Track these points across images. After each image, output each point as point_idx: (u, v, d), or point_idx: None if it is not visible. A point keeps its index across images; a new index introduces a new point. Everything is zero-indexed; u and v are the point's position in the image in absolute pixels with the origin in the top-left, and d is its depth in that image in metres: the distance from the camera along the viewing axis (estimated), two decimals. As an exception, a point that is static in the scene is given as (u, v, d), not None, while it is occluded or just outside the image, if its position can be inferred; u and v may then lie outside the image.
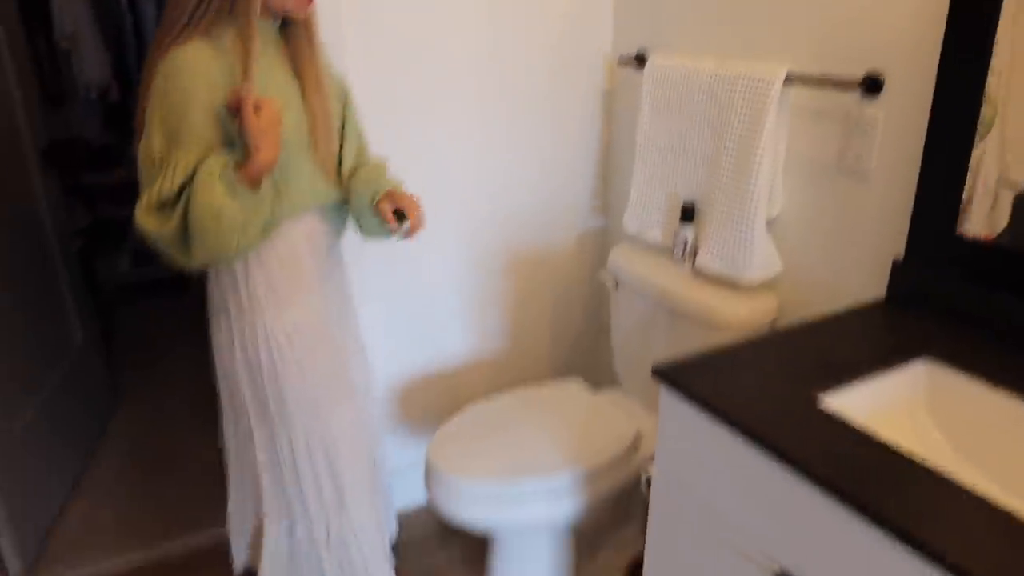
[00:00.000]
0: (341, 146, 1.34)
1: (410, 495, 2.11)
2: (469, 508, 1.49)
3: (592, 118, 2.01)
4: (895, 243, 1.29)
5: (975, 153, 1.13)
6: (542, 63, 1.88)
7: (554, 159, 2.00)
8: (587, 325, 2.24)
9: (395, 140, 1.71)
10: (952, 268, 1.19)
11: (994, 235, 1.14)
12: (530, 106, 1.91)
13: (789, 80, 1.37)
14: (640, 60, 1.80)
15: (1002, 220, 1.13)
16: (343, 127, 1.34)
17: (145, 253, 3.53)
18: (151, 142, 1.10)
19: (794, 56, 1.41)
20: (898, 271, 1.27)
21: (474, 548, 1.96)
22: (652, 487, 1.12)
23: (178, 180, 1.08)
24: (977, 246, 1.16)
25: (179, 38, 1.08)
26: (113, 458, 2.40)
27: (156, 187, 1.09)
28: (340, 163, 1.34)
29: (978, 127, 1.12)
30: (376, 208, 1.30)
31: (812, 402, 0.97)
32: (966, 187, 1.15)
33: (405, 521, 2.06)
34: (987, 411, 1.02)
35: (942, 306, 1.20)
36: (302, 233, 1.27)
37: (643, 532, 1.90)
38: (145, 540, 2.02)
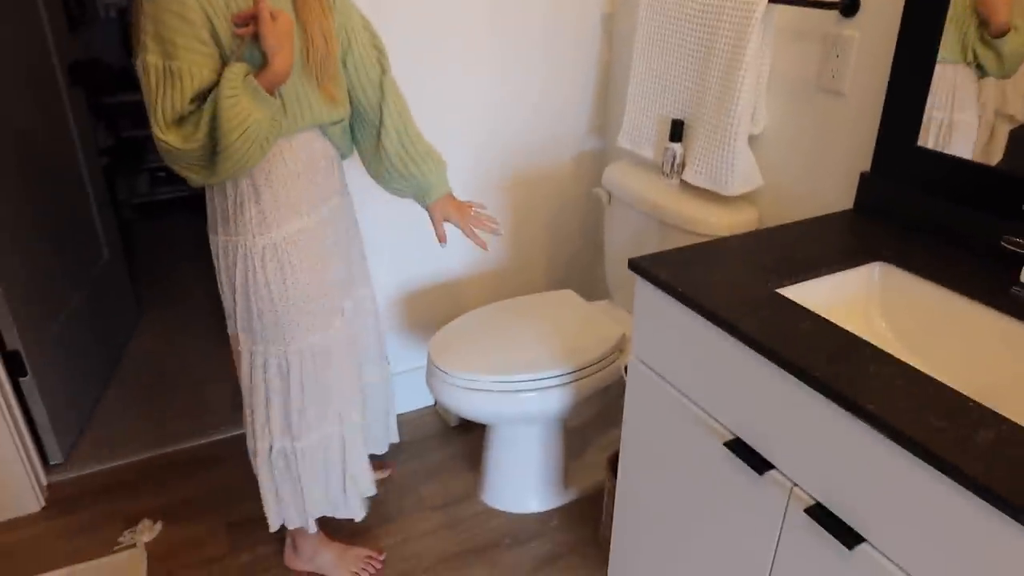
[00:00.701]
0: (344, 65, 1.35)
1: (414, 398, 2.26)
2: (465, 400, 1.64)
3: (592, 41, 2.07)
4: (865, 157, 1.38)
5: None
6: (544, -16, 1.94)
7: (555, 80, 2.07)
8: (583, 241, 2.35)
9: (403, 63, 1.78)
10: (912, 179, 1.29)
11: (949, 149, 1.23)
12: (532, 30, 1.97)
13: (772, 1, 1.43)
14: (639, -19, 1.85)
15: (956, 137, 1.22)
16: (349, 46, 1.35)
17: (164, 174, 3.69)
18: (147, 56, 1.10)
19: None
20: (865, 182, 1.37)
21: (473, 446, 2.13)
22: (630, 370, 1.25)
23: (188, 92, 1.10)
24: (933, 158, 1.25)
25: None
26: (138, 365, 2.56)
27: (168, 101, 1.10)
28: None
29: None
30: (430, 211, 1.46)
31: (771, 291, 1.09)
32: (926, 105, 1.24)
33: (409, 422, 2.23)
34: (929, 305, 1.14)
35: (902, 215, 1.31)
36: (295, 152, 1.28)
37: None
38: (167, 438, 2.19)
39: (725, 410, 1.06)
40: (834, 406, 0.87)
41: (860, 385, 0.86)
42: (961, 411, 0.82)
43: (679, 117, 1.71)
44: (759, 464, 1.00)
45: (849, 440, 0.86)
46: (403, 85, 1.52)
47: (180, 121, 1.12)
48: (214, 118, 1.10)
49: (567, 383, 1.64)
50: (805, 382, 0.90)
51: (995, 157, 1.18)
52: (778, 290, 1.11)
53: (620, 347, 1.74)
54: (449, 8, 1.84)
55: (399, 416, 2.20)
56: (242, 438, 1.61)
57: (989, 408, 0.82)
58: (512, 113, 2.05)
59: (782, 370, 0.93)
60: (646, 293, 1.17)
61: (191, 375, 2.50)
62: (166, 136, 1.12)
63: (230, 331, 1.44)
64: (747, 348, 0.99)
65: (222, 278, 1.36)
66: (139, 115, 3.41)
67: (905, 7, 1.23)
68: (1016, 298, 1.07)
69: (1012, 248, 1.06)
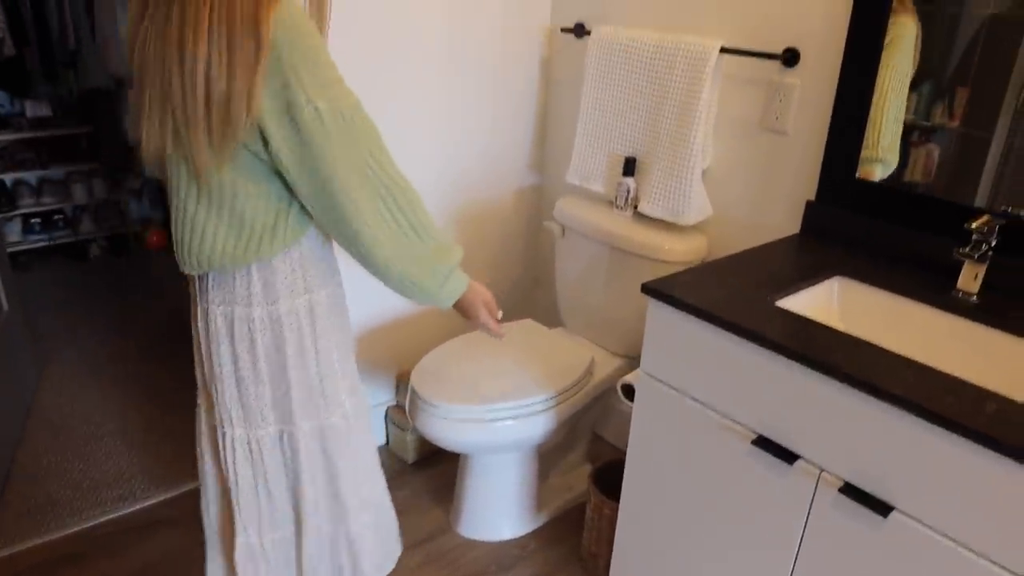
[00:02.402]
0: None
1: (368, 437, 2.24)
2: (454, 431, 1.67)
3: (530, 83, 2.21)
4: (808, 187, 1.59)
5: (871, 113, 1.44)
6: (487, 35, 2.05)
7: (497, 121, 2.18)
8: (524, 271, 2.45)
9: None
10: (854, 206, 1.51)
11: (883, 179, 1.46)
12: (476, 74, 2.07)
13: (722, 52, 1.63)
14: (578, 30, 2.02)
15: (888, 168, 1.45)
16: None
17: (38, 220, 3.41)
18: (332, 97, 0.96)
19: (726, 32, 1.67)
20: (811, 209, 1.58)
21: (435, 480, 2.14)
22: (640, 385, 1.36)
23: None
24: (870, 187, 1.48)
25: None
26: (42, 427, 2.35)
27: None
28: None
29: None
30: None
31: (770, 303, 1.24)
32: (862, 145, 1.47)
33: (365, 461, 2.20)
34: (883, 309, 1.34)
35: (847, 236, 1.52)
36: None
37: (587, 456, 2.17)
38: (84, 510, 2.03)
39: (747, 412, 1.19)
40: (858, 394, 1.02)
41: (878, 375, 1.02)
42: (961, 389, 1.00)
43: (631, 154, 1.86)
44: (787, 456, 1.13)
45: (873, 422, 1.02)
46: None
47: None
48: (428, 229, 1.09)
49: (550, 407, 1.72)
50: (833, 377, 1.04)
51: (925, 184, 1.42)
52: (776, 303, 1.26)
53: (591, 371, 1.85)
54: (398, 58, 1.90)
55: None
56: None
57: (980, 386, 1.00)
58: (460, 154, 2.13)
59: (808, 369, 1.07)
60: (661, 314, 1.28)
61: (98, 436, 2.32)
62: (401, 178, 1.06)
63: (217, 423, 1.23)
64: (769, 353, 1.12)
65: (235, 353, 1.15)
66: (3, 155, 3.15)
67: (843, 60, 1.45)
68: (956, 299, 1.29)
69: (955, 258, 1.28)
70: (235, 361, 1.14)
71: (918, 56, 1.38)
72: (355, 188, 1.00)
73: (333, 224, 1.04)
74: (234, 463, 1.22)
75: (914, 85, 1.39)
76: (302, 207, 1.07)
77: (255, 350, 1.13)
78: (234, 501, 1.25)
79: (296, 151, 0.97)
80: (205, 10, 0.88)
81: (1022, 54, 1.26)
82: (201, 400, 1.28)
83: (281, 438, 1.21)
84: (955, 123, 1.37)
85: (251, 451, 1.21)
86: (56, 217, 3.58)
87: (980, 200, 1.35)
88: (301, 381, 1.17)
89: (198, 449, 1.32)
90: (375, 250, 1.05)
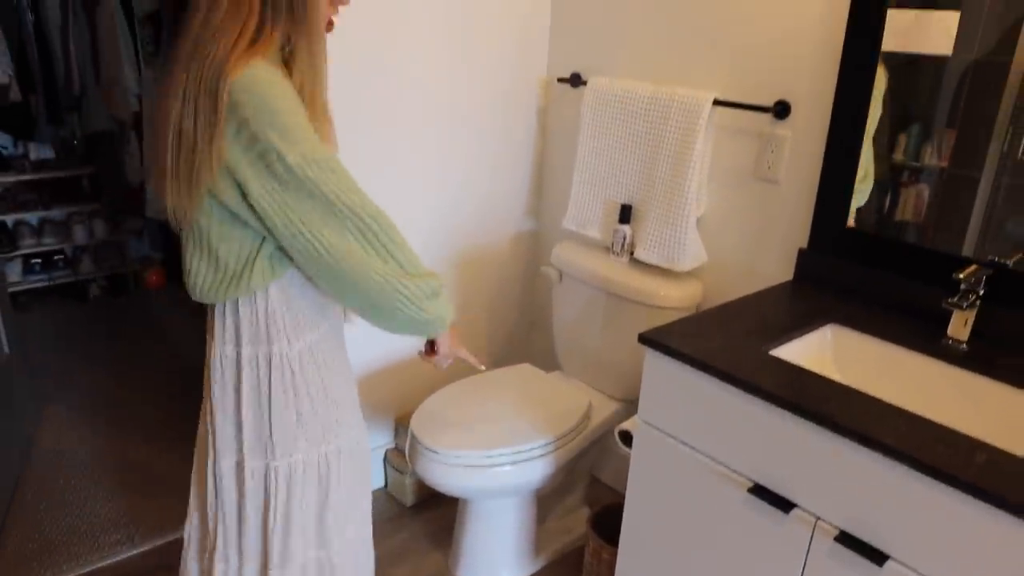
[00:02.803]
0: None
1: (366, 480, 2.25)
2: (455, 477, 1.68)
3: (528, 131, 2.26)
4: (800, 236, 1.63)
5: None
6: (486, 85, 2.11)
7: (496, 169, 2.22)
8: (520, 316, 2.48)
9: (362, 156, 1.88)
10: (846, 254, 1.54)
11: (873, 229, 1.50)
12: (475, 123, 2.13)
13: (715, 104, 1.68)
14: (574, 80, 2.07)
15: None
16: None
17: (39, 260, 3.44)
18: (305, 151, 1.02)
19: (718, 85, 1.73)
20: (803, 257, 1.61)
21: (434, 524, 2.14)
22: (637, 433, 1.38)
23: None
24: (861, 236, 1.52)
25: (238, 53, 0.99)
26: (41, 469, 2.34)
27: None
28: None
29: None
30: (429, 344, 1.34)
31: (764, 352, 1.27)
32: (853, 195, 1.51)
33: (363, 504, 2.20)
34: (875, 357, 1.37)
35: (839, 283, 1.55)
36: None
37: (586, 499, 2.17)
38: (82, 555, 2.01)
39: (743, 460, 1.21)
40: (852, 444, 1.05)
41: (871, 425, 1.04)
42: (952, 439, 1.02)
43: (627, 201, 1.91)
44: (783, 505, 1.15)
45: (867, 471, 1.04)
46: (363, 178, 1.60)
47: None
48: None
49: (548, 452, 1.73)
50: (826, 427, 1.07)
51: (915, 233, 1.46)
52: (771, 352, 1.29)
53: (588, 415, 1.86)
54: (400, 107, 1.95)
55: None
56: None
57: (972, 436, 1.02)
58: (459, 200, 2.17)
59: (803, 419, 1.10)
60: (658, 363, 1.31)
61: (98, 478, 2.32)
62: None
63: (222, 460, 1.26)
64: (763, 402, 1.15)
65: (243, 394, 1.20)
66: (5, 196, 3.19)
67: (832, 115, 1.50)
68: (946, 347, 1.32)
69: (944, 307, 1.32)
70: (223, 393, 1.21)
71: (886, 105, 1.45)
72: (330, 230, 1.07)
73: (315, 266, 1.10)
74: (219, 492, 1.26)
75: (902, 127, 1.45)
76: (277, 250, 1.13)
77: (241, 386, 1.19)
78: (215, 531, 1.29)
79: (273, 200, 1.04)
80: (183, 74, 1.01)
81: (1006, 98, 1.30)
82: (200, 431, 1.33)
83: (267, 472, 1.25)
84: (943, 163, 1.41)
85: (238, 481, 1.26)
86: (56, 257, 3.61)
87: (968, 247, 1.39)
88: (283, 419, 1.21)
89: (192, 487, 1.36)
90: (360, 283, 1.10)
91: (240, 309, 1.17)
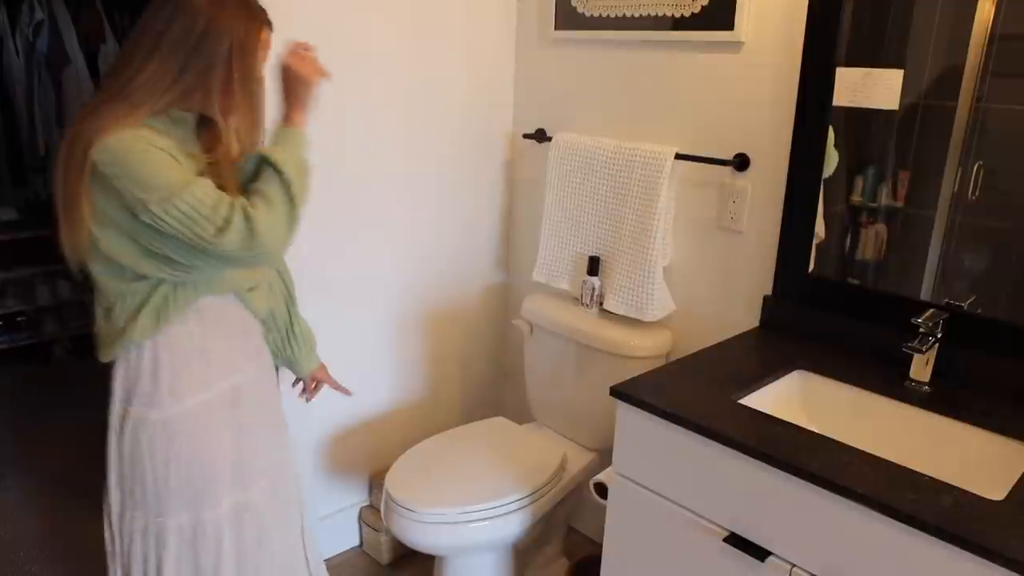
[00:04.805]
0: None
1: (340, 540, 2.20)
2: (431, 535, 1.66)
3: (495, 185, 2.30)
4: (765, 283, 1.67)
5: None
6: (451, 140, 2.15)
7: (465, 223, 2.25)
8: (493, 370, 2.48)
9: (330, 210, 1.89)
10: (810, 300, 1.58)
11: (835, 274, 1.55)
12: (444, 176, 2.16)
13: (678, 158, 1.73)
14: (539, 136, 2.12)
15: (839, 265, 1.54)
16: None
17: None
18: (159, 201, 1.09)
19: (680, 139, 1.78)
20: (768, 304, 1.65)
21: (409, 582, 2.10)
22: (612, 486, 1.38)
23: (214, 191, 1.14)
24: (823, 283, 1.56)
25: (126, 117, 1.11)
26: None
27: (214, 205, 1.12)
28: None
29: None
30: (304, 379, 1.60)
31: (733, 401, 1.28)
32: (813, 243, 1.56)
33: (339, 566, 2.15)
34: (842, 401, 1.40)
35: (804, 329, 1.59)
36: (213, 316, 1.26)
37: (563, 550, 2.15)
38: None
39: (718, 510, 1.21)
40: (825, 492, 1.06)
41: (840, 472, 1.06)
42: (919, 484, 1.04)
43: (595, 253, 1.94)
44: (759, 553, 1.15)
45: (838, 518, 1.05)
46: (329, 241, 1.63)
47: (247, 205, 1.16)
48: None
49: (524, 506, 1.72)
50: (797, 475, 1.08)
51: (875, 275, 1.50)
52: (740, 401, 1.31)
53: (563, 466, 1.86)
54: (365, 162, 1.97)
55: (326, 561, 2.12)
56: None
57: (939, 479, 1.05)
58: (425, 254, 2.19)
59: (775, 469, 1.11)
60: (629, 416, 1.32)
61: (56, 555, 2.24)
62: (254, 214, 1.14)
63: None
64: (734, 452, 1.16)
65: (126, 452, 1.29)
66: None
67: (789, 167, 1.56)
68: (909, 388, 1.36)
69: (905, 351, 1.35)
70: (120, 453, 1.30)
71: (841, 151, 1.51)
72: (216, 239, 1.13)
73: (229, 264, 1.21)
74: (121, 553, 1.32)
75: (859, 170, 1.51)
76: (161, 303, 1.21)
77: (138, 447, 1.27)
78: None
79: (154, 237, 1.14)
80: (68, 140, 1.13)
81: (954, 140, 1.36)
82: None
83: (182, 529, 1.29)
84: (899, 203, 1.46)
85: (145, 541, 1.30)
86: (19, 319, 3.53)
87: (927, 288, 1.43)
88: (182, 476, 1.26)
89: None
90: (266, 247, 1.16)
91: (126, 366, 1.28)
